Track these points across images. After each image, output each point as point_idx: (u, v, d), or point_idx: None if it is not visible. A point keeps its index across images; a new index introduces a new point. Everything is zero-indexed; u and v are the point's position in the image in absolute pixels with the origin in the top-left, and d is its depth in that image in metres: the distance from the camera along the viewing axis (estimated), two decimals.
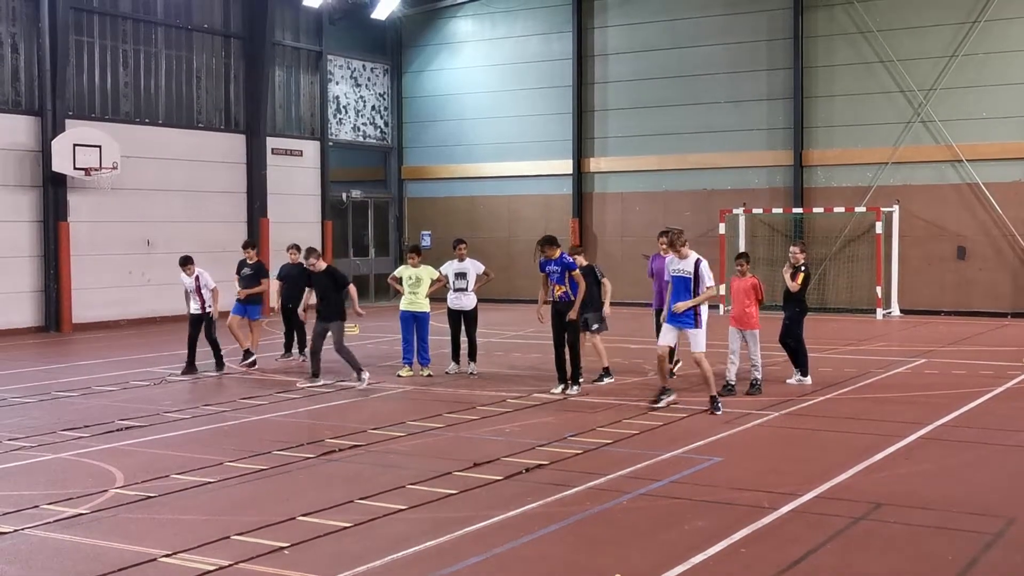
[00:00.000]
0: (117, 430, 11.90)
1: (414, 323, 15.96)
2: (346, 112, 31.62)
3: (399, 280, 16.15)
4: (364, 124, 32.27)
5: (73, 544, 7.63)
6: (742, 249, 27.39)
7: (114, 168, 23.86)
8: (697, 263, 12.42)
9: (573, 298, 13.93)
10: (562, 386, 14.12)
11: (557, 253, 14.05)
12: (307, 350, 16.17)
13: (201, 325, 16.46)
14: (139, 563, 7.12)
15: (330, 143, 30.76)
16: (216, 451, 10.69)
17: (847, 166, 27.25)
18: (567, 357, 14.14)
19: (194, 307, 16.57)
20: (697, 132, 28.72)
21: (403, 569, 7.06)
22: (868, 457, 10.18)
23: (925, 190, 26.43)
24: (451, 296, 16.16)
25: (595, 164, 30.35)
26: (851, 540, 7.68)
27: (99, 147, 23.61)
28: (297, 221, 29.08)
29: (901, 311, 26.13)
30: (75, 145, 23.26)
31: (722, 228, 27.47)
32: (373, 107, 32.54)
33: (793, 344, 14.69)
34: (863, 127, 26.94)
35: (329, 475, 9.74)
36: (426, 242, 32.31)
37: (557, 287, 14.05)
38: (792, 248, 15.14)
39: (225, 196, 27.61)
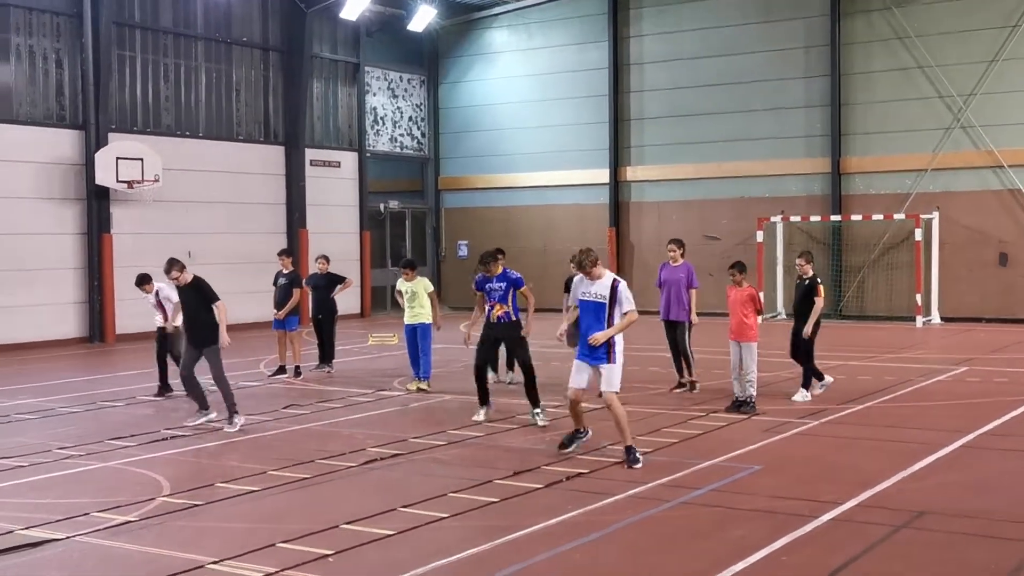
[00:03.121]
0: (162, 439, 12.08)
1: (415, 336, 15.49)
2: (383, 123, 31.85)
3: (401, 294, 15.92)
4: (401, 135, 32.50)
5: (123, 551, 7.78)
6: (779, 257, 27.36)
7: (156, 180, 24.20)
8: (614, 284, 10.26)
9: (515, 318, 12.78)
10: (485, 409, 12.93)
11: (500, 269, 12.82)
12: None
13: (167, 341, 15.38)
14: (187, 570, 7.24)
15: (368, 154, 31.00)
16: (259, 460, 10.83)
17: (886, 173, 27.11)
18: (529, 380, 12.82)
19: (158, 321, 15.52)
20: (734, 140, 28.67)
21: None
22: (909, 465, 10.14)
23: (965, 196, 26.23)
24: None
25: (632, 173, 30.37)
26: (893, 549, 7.66)
27: (141, 160, 23.97)
28: (336, 232, 29.35)
29: (942, 319, 25.93)
30: (118, 158, 23.64)
31: (760, 236, 27.41)
32: (410, 118, 32.75)
33: (804, 358, 14.10)
34: (902, 134, 26.80)
35: (371, 483, 9.85)
36: (463, 252, 32.47)
37: (497, 306, 12.70)
38: (798, 260, 14.45)
39: (265, 207, 27.91)
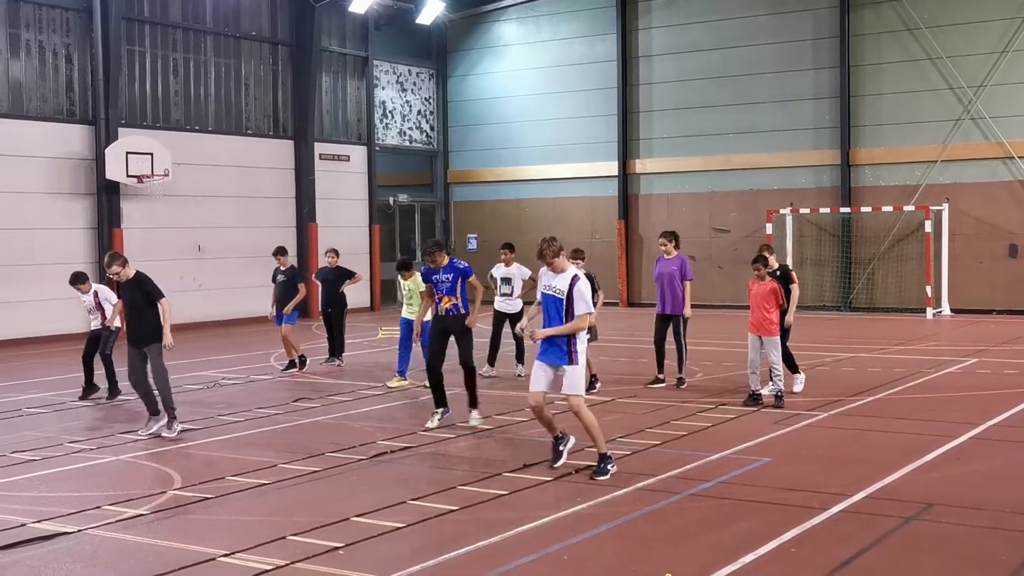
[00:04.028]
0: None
1: (410, 331, 15.05)
2: (392, 117, 31.87)
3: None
4: (410, 128, 32.51)
5: (135, 544, 7.82)
6: (789, 251, 27.30)
7: (166, 175, 24.28)
8: (573, 281, 9.54)
9: (464, 311, 12.18)
10: (440, 411, 12.20)
11: (445, 260, 12.23)
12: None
13: (99, 342, 14.83)
14: (199, 562, 7.28)
15: (377, 148, 31.03)
16: (270, 453, 10.87)
17: (895, 165, 27.04)
18: (468, 379, 12.21)
19: (95, 323, 15.08)
20: (743, 132, 28.63)
21: (457, 569, 7.16)
22: (919, 457, 10.14)
23: (975, 188, 26.16)
24: (497, 299, 16.23)
25: (640, 165, 30.34)
26: (902, 540, 7.67)
27: (151, 155, 24.05)
28: (345, 226, 29.39)
29: (951, 310, 25.88)
30: (128, 153, 23.72)
31: (769, 228, 27.37)
32: (419, 111, 32.77)
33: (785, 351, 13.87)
34: (911, 125, 26.72)
35: (381, 476, 9.88)
36: (472, 245, 32.49)
37: (446, 299, 12.09)
38: (762, 255, 13.94)
39: (274, 202, 27.96)
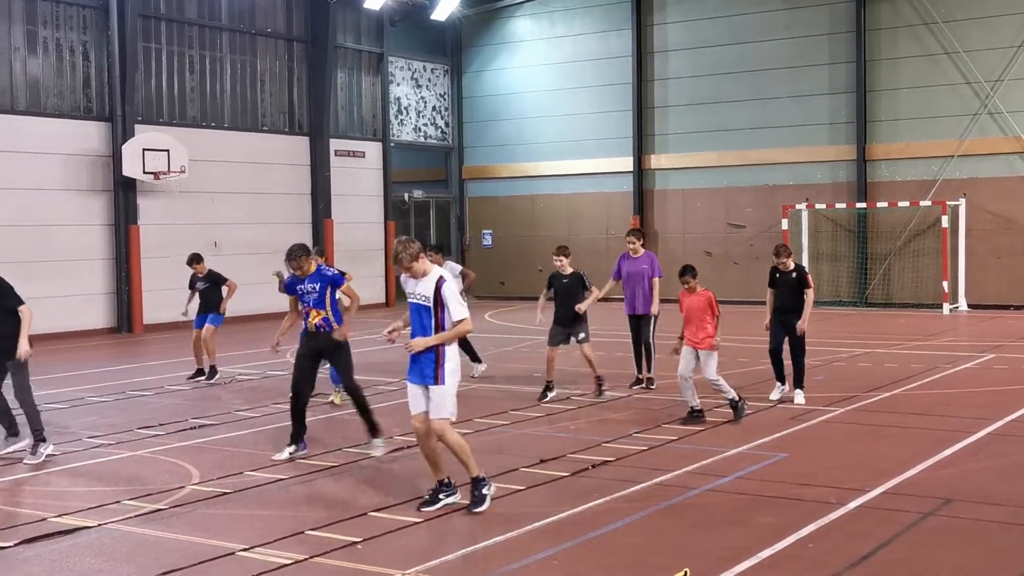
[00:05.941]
0: (191, 428, 12.20)
1: None
2: (407, 113, 31.91)
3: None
4: (425, 125, 32.54)
5: (154, 538, 7.87)
6: (805, 247, 27.22)
7: (182, 172, 24.37)
8: (438, 285, 8.27)
9: (337, 325, 10.71)
10: (292, 447, 10.51)
11: (313, 267, 10.73)
12: None
13: None
14: (218, 556, 7.32)
15: (392, 144, 31.06)
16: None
17: (912, 160, 26.92)
18: (359, 405, 10.89)
19: None
20: (758, 128, 28.55)
21: (474, 563, 7.19)
22: (937, 453, 10.11)
23: (993, 183, 26.02)
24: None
25: (656, 161, 30.29)
26: (920, 535, 7.66)
27: (167, 151, 24.14)
28: (360, 222, 29.46)
29: (969, 306, 25.76)
30: (144, 150, 23.82)
31: (785, 224, 27.30)
32: (434, 107, 32.78)
33: (799, 356, 13.11)
34: (928, 120, 26.60)
35: (398, 471, 9.91)
36: (487, 241, 32.51)
37: (314, 312, 10.62)
38: (780, 260, 13.11)
39: (290, 198, 28.04)
